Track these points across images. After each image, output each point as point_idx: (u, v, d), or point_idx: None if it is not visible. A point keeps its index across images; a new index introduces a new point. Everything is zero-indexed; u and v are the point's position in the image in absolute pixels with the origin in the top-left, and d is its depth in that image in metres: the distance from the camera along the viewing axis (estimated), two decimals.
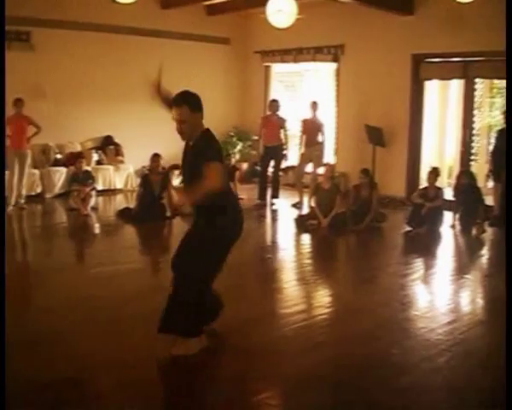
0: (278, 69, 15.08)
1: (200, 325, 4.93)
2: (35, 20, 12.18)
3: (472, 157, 12.05)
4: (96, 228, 10.49)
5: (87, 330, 5.46)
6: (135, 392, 4.30)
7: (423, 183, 11.37)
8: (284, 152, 12.09)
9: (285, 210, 11.65)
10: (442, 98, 13.67)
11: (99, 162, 13.21)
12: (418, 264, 8.26)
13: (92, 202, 11.19)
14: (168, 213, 10.47)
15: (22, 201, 11.25)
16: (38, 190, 12.35)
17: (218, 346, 5.15)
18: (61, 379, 4.44)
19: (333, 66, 13.46)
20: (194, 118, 4.61)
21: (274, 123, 11.98)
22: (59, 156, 12.85)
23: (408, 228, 9.87)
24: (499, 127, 10.96)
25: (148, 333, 4.93)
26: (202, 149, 4.59)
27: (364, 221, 9.93)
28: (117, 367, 4.68)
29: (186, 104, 4.58)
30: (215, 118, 14.38)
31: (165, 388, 4.57)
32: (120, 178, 13.34)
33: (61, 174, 12.49)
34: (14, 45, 12.12)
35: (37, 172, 12.33)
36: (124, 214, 10.65)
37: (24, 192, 11.35)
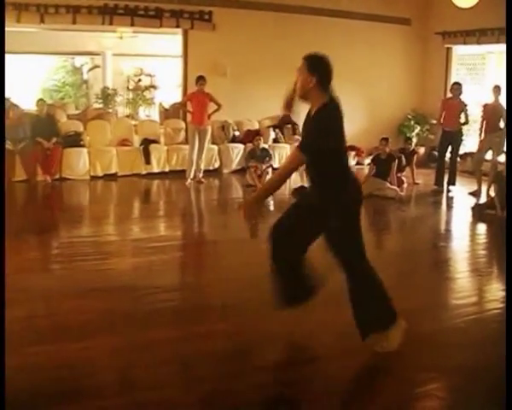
0: (460, 51, 14.58)
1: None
2: (216, 1, 12.62)
3: None
4: (271, 205, 10.70)
5: (266, 302, 5.62)
6: (295, 369, 4.39)
7: None
8: (463, 137, 11.71)
9: (462, 198, 11.29)
10: None
11: (276, 140, 13.44)
12: None
13: (268, 178, 11.38)
14: None
15: (201, 175, 11.71)
16: (216, 165, 12.82)
17: None
18: (238, 349, 4.65)
19: None
20: (307, 78, 4.31)
21: (455, 107, 11.61)
22: (237, 133, 13.22)
23: None
24: None
25: (325, 311, 4.92)
26: (310, 128, 4.40)
27: None
28: (284, 342, 4.84)
29: (307, 61, 4.35)
30: (393, 100, 14.49)
31: (325, 369, 4.58)
32: None
33: (238, 151, 12.86)
34: (197, 24, 12.62)
35: (215, 147, 12.78)
36: (299, 192, 10.78)
37: (202, 167, 11.81)
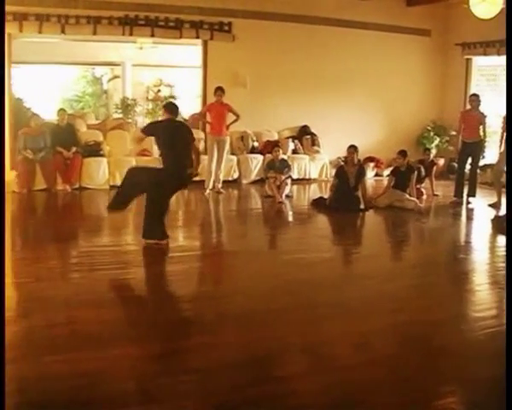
0: (480, 62, 14.52)
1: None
2: (236, 11, 12.69)
3: None
4: (290, 216, 10.70)
5: (282, 312, 5.61)
6: (324, 378, 4.37)
7: None
8: (483, 149, 11.62)
9: (482, 210, 11.20)
10: None
11: (295, 151, 13.44)
12: None
13: (287, 189, 11.36)
14: (362, 205, 10.48)
15: (219, 185, 11.71)
16: (235, 175, 12.84)
17: (405, 342, 5.11)
18: (254, 359, 4.62)
19: None
20: None
21: (474, 118, 11.52)
22: (256, 144, 13.23)
23: None
24: None
25: (342, 321, 4.90)
26: None
27: None
28: (309, 352, 4.80)
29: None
30: (413, 111, 14.46)
31: (345, 379, 4.56)
32: (315, 167, 13.51)
33: (257, 161, 12.87)
34: (216, 35, 12.69)
35: (234, 158, 12.81)
36: (318, 204, 10.77)
37: (221, 177, 11.82)
